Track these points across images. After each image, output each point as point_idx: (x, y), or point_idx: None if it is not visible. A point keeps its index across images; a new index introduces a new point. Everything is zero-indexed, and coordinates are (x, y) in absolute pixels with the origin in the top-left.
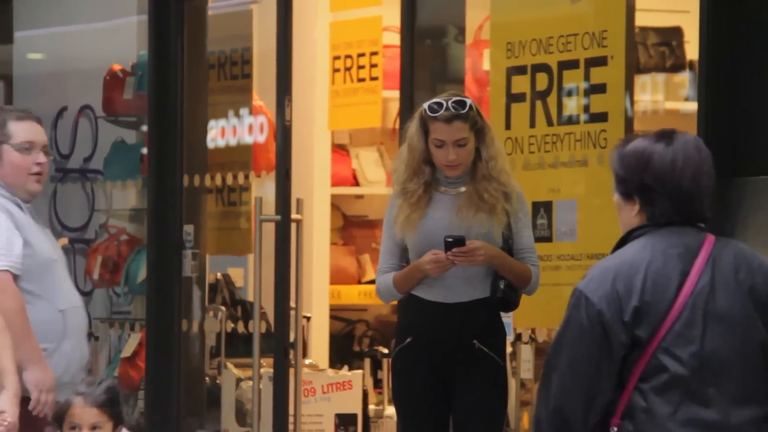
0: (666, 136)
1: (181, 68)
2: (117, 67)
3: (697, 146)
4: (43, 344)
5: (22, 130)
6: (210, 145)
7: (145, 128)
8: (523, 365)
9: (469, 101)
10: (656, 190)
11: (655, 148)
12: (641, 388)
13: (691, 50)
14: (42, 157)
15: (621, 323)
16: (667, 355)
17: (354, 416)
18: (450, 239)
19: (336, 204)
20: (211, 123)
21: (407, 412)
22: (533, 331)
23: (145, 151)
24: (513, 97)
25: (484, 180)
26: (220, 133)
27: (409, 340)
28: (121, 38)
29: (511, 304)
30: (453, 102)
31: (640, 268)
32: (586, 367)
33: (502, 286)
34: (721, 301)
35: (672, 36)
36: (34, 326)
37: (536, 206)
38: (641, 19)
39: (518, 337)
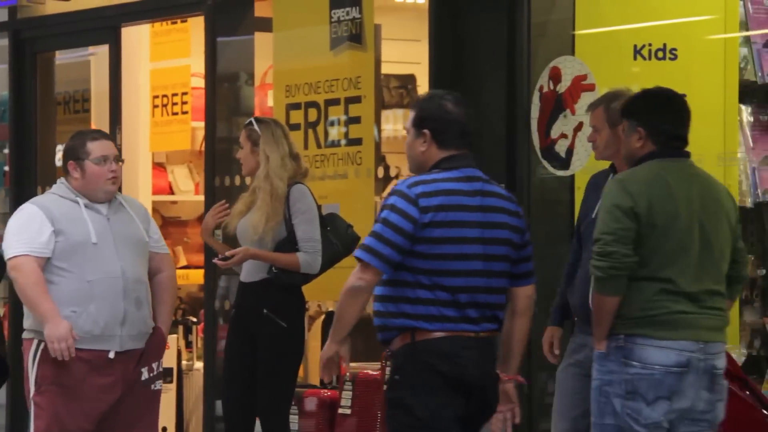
0: None
1: (35, 105)
2: None
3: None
4: (71, 307)
5: (97, 148)
6: (57, 163)
7: (6, 151)
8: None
9: (250, 119)
10: None
11: None
12: None
13: (422, 91)
14: (113, 165)
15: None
16: None
17: (171, 370)
18: (221, 258)
19: (156, 208)
20: (59, 146)
21: (227, 366)
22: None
23: (6, 168)
24: (291, 127)
25: (260, 185)
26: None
27: (233, 310)
28: None
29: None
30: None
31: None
32: None
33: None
34: None
35: (408, 81)
36: (65, 294)
37: None
38: (385, 68)
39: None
